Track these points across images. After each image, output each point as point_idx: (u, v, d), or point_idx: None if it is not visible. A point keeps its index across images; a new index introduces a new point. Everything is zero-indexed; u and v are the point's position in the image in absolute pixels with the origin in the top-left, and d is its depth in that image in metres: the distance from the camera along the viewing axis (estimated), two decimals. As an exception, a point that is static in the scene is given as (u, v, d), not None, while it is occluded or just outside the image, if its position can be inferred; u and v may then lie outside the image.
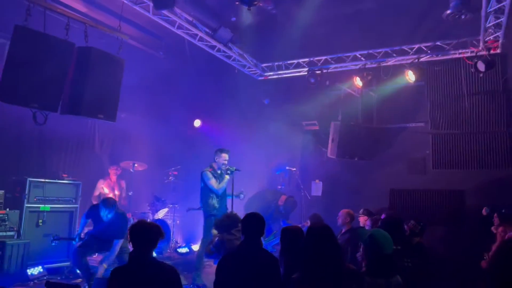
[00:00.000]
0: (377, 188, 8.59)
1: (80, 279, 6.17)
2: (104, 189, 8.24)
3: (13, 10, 5.06)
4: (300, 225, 6.81)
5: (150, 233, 3.36)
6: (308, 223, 6.59)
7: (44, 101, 4.65)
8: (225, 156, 6.97)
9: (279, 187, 8.90)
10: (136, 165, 8.52)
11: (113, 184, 8.42)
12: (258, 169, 9.04)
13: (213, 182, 6.86)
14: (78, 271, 6.34)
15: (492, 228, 6.01)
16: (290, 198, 7.67)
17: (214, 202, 6.90)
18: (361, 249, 3.60)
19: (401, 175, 8.53)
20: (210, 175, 6.88)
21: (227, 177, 6.85)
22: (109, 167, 8.45)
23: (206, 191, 6.90)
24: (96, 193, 8.16)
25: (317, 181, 9.47)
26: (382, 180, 8.62)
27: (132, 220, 7.98)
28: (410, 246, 4.37)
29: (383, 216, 6.43)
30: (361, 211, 7.50)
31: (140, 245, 3.32)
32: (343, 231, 6.39)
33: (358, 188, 8.70)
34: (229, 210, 6.53)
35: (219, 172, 6.97)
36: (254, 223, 3.85)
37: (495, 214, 6.10)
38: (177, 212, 9.00)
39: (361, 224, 6.98)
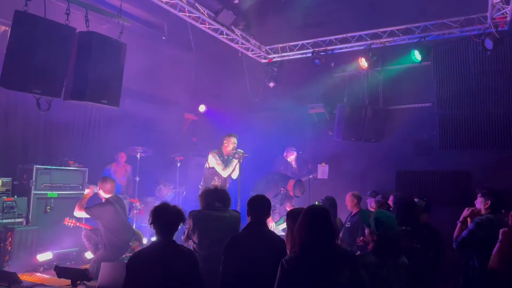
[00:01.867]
0: (384, 170, 8.54)
1: (89, 264, 6.23)
2: (110, 174, 8.29)
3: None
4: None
5: (171, 217, 3.34)
6: None
7: (47, 87, 4.63)
8: (233, 140, 6.97)
9: (311, 176, 8.65)
10: (142, 150, 8.54)
11: (120, 169, 8.47)
12: (263, 153, 9.01)
13: (219, 164, 6.88)
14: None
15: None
16: (299, 182, 7.65)
17: (215, 185, 6.92)
18: (366, 232, 3.58)
19: (408, 156, 8.47)
20: (217, 157, 6.92)
21: (235, 161, 6.83)
22: (116, 153, 8.49)
23: (211, 173, 6.94)
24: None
25: (323, 164, 9.44)
26: (389, 161, 8.57)
27: (138, 206, 8.05)
28: (420, 227, 4.34)
29: (391, 198, 6.42)
30: (368, 193, 7.52)
31: (160, 227, 3.31)
32: (353, 213, 6.41)
33: (365, 170, 8.66)
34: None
35: (225, 157, 6.98)
36: (259, 204, 3.86)
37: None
38: (183, 197, 9.04)
39: (369, 206, 6.99)
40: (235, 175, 7.01)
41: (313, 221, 2.99)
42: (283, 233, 7.04)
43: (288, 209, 7.53)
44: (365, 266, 3.08)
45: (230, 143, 6.95)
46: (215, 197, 4.53)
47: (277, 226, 7.26)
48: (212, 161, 6.94)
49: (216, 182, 6.93)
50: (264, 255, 3.57)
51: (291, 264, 2.89)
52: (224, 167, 6.91)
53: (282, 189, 7.44)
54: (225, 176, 6.95)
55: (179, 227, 3.43)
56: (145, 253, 3.34)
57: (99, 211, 6.00)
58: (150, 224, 3.34)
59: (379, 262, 3.15)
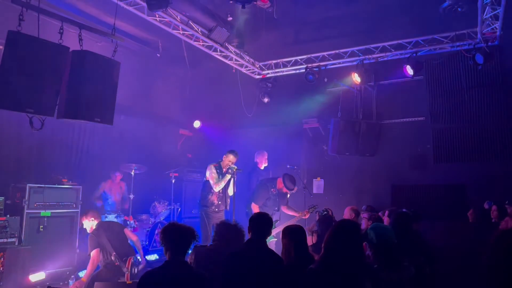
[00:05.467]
0: (379, 184, 8.55)
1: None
2: (105, 192, 8.24)
3: (8, 15, 5.05)
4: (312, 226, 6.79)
5: (181, 236, 3.30)
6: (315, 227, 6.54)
7: (40, 105, 4.61)
8: (232, 158, 6.96)
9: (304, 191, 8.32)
10: (136, 167, 8.49)
11: (114, 187, 8.41)
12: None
13: (213, 178, 6.87)
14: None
15: (503, 222, 5.98)
16: (286, 175, 7.51)
17: (214, 198, 6.90)
18: (367, 246, 3.57)
19: (402, 171, 8.49)
20: (214, 169, 6.92)
21: (228, 176, 6.82)
22: (112, 172, 8.43)
23: (208, 185, 6.92)
24: (97, 194, 8.16)
25: (318, 178, 9.44)
26: (383, 176, 8.59)
27: (133, 224, 7.97)
28: (414, 242, 4.33)
29: (386, 213, 6.41)
30: (364, 207, 7.50)
31: (171, 247, 3.26)
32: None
33: (360, 184, 8.67)
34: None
35: (223, 170, 6.98)
36: (262, 222, 3.88)
37: (494, 207, 6.07)
38: (179, 214, 8.98)
39: (363, 221, 6.96)
40: (230, 191, 6.97)
41: (344, 234, 3.05)
42: (275, 239, 7.01)
43: (285, 211, 7.46)
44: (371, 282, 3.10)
45: (227, 160, 6.94)
46: (221, 231, 4.38)
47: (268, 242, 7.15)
48: (208, 173, 6.94)
49: (214, 196, 6.88)
50: (262, 271, 3.58)
51: (317, 274, 2.94)
52: (216, 182, 6.87)
53: (272, 189, 7.38)
54: (216, 190, 6.90)
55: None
56: (157, 273, 3.26)
57: (94, 245, 5.79)
58: (161, 244, 3.30)
59: (385, 277, 3.16)
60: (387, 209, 6.78)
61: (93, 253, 5.64)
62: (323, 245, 3.12)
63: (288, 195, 7.61)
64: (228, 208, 7.04)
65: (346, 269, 2.91)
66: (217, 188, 6.88)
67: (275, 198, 7.38)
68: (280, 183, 7.41)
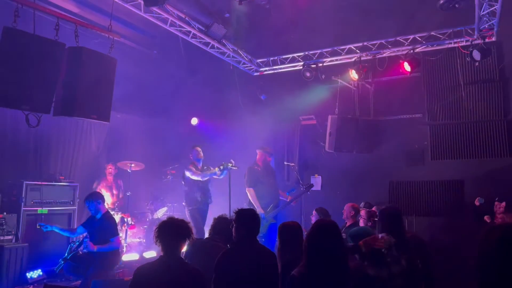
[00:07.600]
0: (376, 181, 8.54)
1: (80, 281, 6.13)
2: (101, 189, 8.19)
3: (3, 12, 5.02)
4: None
5: (176, 233, 3.28)
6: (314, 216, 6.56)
7: (36, 103, 4.59)
8: (198, 149, 7.38)
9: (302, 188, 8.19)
10: (133, 165, 8.47)
11: (110, 184, 8.37)
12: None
13: (196, 172, 7.18)
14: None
15: (485, 217, 6.02)
16: (259, 149, 7.74)
17: (198, 195, 7.19)
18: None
19: (399, 167, 8.49)
20: (193, 168, 7.22)
21: (216, 169, 6.96)
22: (104, 166, 8.40)
23: (190, 184, 7.22)
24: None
25: (316, 175, 9.44)
26: (380, 172, 8.58)
27: (130, 221, 7.96)
28: (405, 239, 4.30)
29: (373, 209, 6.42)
30: (361, 204, 7.50)
31: (167, 243, 3.24)
32: (348, 224, 6.37)
33: (357, 181, 8.66)
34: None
35: (200, 168, 7.27)
36: (250, 218, 3.84)
37: (504, 203, 6.06)
38: (176, 211, 8.96)
39: (362, 217, 6.96)
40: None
41: (326, 236, 2.99)
42: (274, 222, 7.04)
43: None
44: (360, 280, 3.10)
45: (196, 154, 7.37)
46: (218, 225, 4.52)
47: (267, 215, 7.18)
48: (188, 173, 7.20)
49: (199, 193, 7.08)
50: (256, 269, 3.56)
51: (300, 279, 2.89)
52: (201, 174, 7.18)
53: (256, 167, 7.48)
54: (203, 179, 7.20)
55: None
56: (151, 269, 3.25)
57: None
58: (155, 241, 3.27)
59: (373, 274, 3.15)
60: (375, 206, 6.79)
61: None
62: (303, 248, 3.06)
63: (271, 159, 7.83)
64: (211, 201, 7.46)
65: (329, 272, 2.86)
66: (204, 177, 7.19)
67: (264, 173, 7.44)
68: (258, 155, 7.61)
